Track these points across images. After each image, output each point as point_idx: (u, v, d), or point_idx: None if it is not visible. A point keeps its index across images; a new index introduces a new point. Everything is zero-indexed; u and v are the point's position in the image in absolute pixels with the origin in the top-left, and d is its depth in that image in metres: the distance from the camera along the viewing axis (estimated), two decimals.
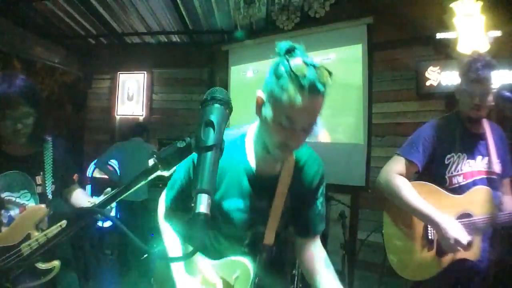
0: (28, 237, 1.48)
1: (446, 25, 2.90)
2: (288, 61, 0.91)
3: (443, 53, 3.12)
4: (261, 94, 1.00)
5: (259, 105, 1.00)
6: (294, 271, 2.61)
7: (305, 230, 1.20)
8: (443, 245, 1.56)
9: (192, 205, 0.60)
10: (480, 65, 1.56)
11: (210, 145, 0.65)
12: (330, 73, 0.92)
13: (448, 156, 1.68)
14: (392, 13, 3.37)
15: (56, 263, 1.52)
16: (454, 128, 1.70)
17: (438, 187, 1.66)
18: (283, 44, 0.95)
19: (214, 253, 1.18)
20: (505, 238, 1.66)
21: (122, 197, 0.72)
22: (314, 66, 0.90)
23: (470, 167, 1.67)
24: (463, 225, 1.53)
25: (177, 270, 1.12)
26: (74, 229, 0.72)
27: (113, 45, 5.10)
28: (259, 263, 1.13)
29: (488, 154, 1.67)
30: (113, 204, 0.76)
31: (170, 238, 1.20)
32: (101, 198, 1.56)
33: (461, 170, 1.67)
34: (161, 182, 1.17)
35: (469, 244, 1.51)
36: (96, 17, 4.28)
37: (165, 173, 0.70)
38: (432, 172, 1.70)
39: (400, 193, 1.62)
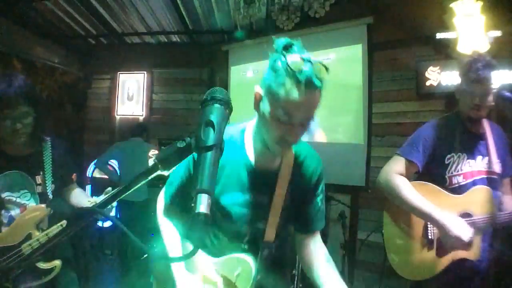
0: (29, 237, 1.48)
1: (446, 25, 2.90)
2: (285, 56, 0.92)
3: (443, 53, 3.12)
4: (259, 89, 1.01)
5: (257, 100, 1.02)
6: (294, 271, 2.61)
7: (305, 226, 1.21)
8: (444, 242, 1.56)
9: (192, 204, 0.60)
10: (480, 65, 1.56)
11: (210, 145, 0.66)
12: (327, 69, 0.93)
13: (448, 156, 1.68)
14: (392, 13, 3.37)
15: (57, 262, 1.52)
16: (454, 128, 1.70)
17: (438, 187, 1.66)
18: (280, 40, 0.96)
19: (214, 250, 1.18)
20: (505, 238, 1.66)
21: (122, 196, 0.72)
22: (310, 62, 0.91)
23: (470, 167, 1.67)
24: None
25: (177, 268, 1.12)
26: (75, 229, 0.72)
27: (113, 45, 5.10)
28: (260, 260, 1.13)
29: (488, 154, 1.67)
30: (114, 203, 0.76)
31: (170, 235, 1.20)
32: (102, 197, 1.56)
33: (461, 170, 1.67)
34: (161, 182, 1.18)
35: (470, 243, 1.51)
36: (96, 17, 4.28)
37: (165, 173, 0.71)
38: (432, 172, 1.70)
39: (400, 193, 1.62)
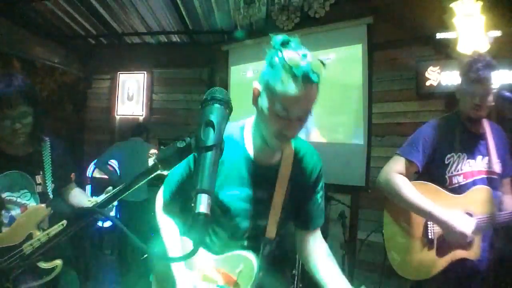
0: (30, 236, 1.48)
1: (446, 25, 2.90)
2: (282, 52, 0.94)
3: (443, 53, 3.12)
4: (257, 85, 1.03)
5: (256, 96, 1.03)
6: (294, 271, 2.61)
7: (306, 223, 1.21)
8: (448, 239, 1.56)
9: (192, 204, 0.60)
10: (480, 65, 1.56)
11: (210, 145, 0.66)
12: (323, 64, 0.94)
13: (448, 156, 1.68)
14: (392, 13, 3.37)
15: (58, 262, 1.52)
16: (454, 128, 1.70)
17: (438, 187, 1.66)
18: (278, 37, 0.97)
19: (214, 247, 1.18)
20: (505, 237, 1.66)
21: (122, 196, 0.72)
22: (307, 57, 0.92)
23: (470, 167, 1.67)
24: None
25: (177, 267, 1.12)
26: (75, 228, 0.72)
27: (113, 45, 5.11)
28: (262, 257, 1.13)
29: (488, 154, 1.67)
30: (115, 203, 0.76)
31: (169, 232, 1.21)
32: (102, 197, 1.57)
33: (461, 169, 1.67)
34: (161, 182, 1.19)
35: (471, 242, 1.51)
36: (96, 17, 4.28)
37: (165, 173, 0.71)
38: (432, 172, 1.70)
39: (400, 192, 1.62)
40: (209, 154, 0.65)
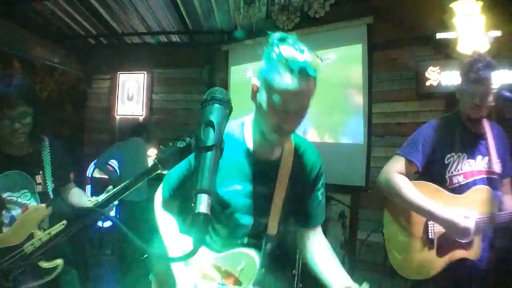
0: (31, 236, 1.48)
1: (446, 25, 2.90)
2: (279, 47, 0.96)
3: (443, 53, 3.12)
4: (256, 81, 1.04)
5: (254, 92, 1.05)
6: (294, 271, 2.61)
7: (307, 220, 1.22)
8: (451, 236, 1.56)
9: (192, 205, 0.60)
10: (480, 66, 1.56)
11: (210, 145, 0.66)
12: (320, 59, 0.97)
13: (448, 155, 1.68)
14: (392, 13, 3.37)
15: (59, 261, 1.52)
16: (454, 128, 1.70)
17: (438, 187, 1.66)
18: (275, 34, 0.99)
19: (215, 245, 1.19)
20: (505, 237, 1.66)
21: (122, 196, 0.72)
22: (304, 52, 0.94)
23: (470, 167, 1.67)
24: None
25: (177, 266, 1.12)
26: (76, 228, 0.72)
27: (113, 45, 5.11)
28: (264, 254, 1.13)
29: (488, 154, 1.67)
30: (115, 202, 0.76)
31: (168, 229, 1.21)
32: (103, 196, 1.57)
33: (461, 169, 1.67)
34: (161, 181, 1.20)
35: (470, 243, 1.51)
36: (96, 17, 4.28)
37: (165, 173, 0.71)
38: (432, 171, 1.70)
39: (400, 191, 1.62)
40: (209, 154, 0.65)
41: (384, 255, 1.82)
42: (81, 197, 1.79)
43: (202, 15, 4.11)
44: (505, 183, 1.73)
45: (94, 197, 1.80)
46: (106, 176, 4.08)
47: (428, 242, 1.65)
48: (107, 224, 4.44)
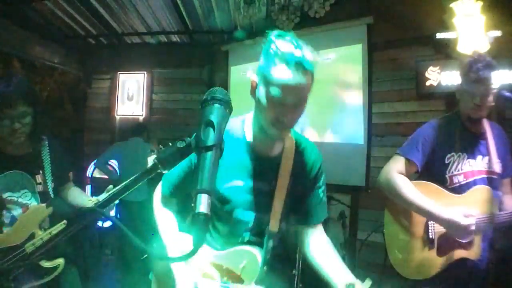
0: (32, 236, 1.48)
1: (446, 25, 2.90)
2: (277, 42, 0.98)
3: (443, 53, 3.12)
4: (254, 77, 1.06)
5: (253, 87, 1.07)
6: (294, 271, 2.61)
7: (308, 218, 1.22)
8: (452, 236, 1.56)
9: (192, 205, 0.60)
10: (480, 66, 1.56)
11: (210, 145, 0.66)
12: (317, 53, 0.99)
13: (449, 155, 1.68)
14: (392, 13, 3.37)
15: (60, 261, 1.52)
16: (454, 127, 1.70)
17: (438, 187, 1.66)
18: (273, 31, 1.02)
19: (217, 242, 1.19)
20: (505, 237, 1.66)
21: (122, 196, 0.72)
22: (301, 47, 0.96)
23: (471, 167, 1.67)
24: None
25: (176, 265, 1.12)
26: (77, 227, 0.72)
27: (113, 45, 5.10)
28: (265, 252, 1.13)
29: (488, 154, 1.68)
30: (116, 201, 0.76)
31: (167, 226, 1.21)
32: (104, 195, 1.57)
33: (462, 169, 1.67)
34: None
35: (470, 243, 1.51)
36: (96, 17, 4.27)
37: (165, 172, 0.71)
38: (433, 171, 1.70)
39: (400, 191, 1.62)
40: (209, 154, 0.65)
41: (384, 255, 1.82)
42: (82, 197, 1.79)
43: (202, 15, 4.11)
44: (505, 183, 1.73)
45: (94, 197, 1.80)
46: (106, 176, 4.08)
47: (428, 242, 1.65)
48: (107, 224, 4.44)
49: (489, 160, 1.67)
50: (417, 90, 3.26)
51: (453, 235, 1.57)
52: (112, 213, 3.67)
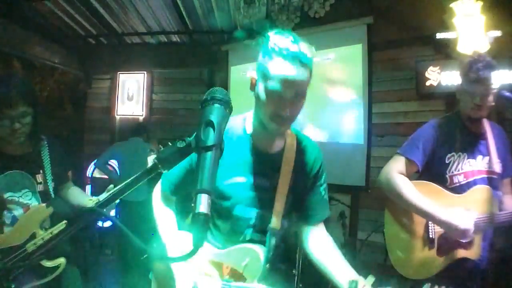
0: (33, 236, 1.48)
1: (446, 25, 2.90)
2: (274, 38, 1.01)
3: (443, 53, 3.12)
4: (254, 74, 1.08)
5: (253, 84, 1.08)
6: (294, 271, 2.61)
7: (310, 216, 1.22)
8: (450, 238, 1.56)
9: (192, 205, 0.60)
10: (480, 66, 1.56)
11: (210, 145, 0.66)
12: (314, 48, 1.02)
13: (449, 155, 1.68)
14: (392, 13, 3.37)
15: (61, 260, 1.52)
16: (455, 127, 1.70)
17: (438, 186, 1.66)
18: (273, 30, 1.04)
19: (219, 240, 1.19)
20: (505, 237, 1.66)
21: (122, 196, 0.72)
22: (298, 42, 0.99)
23: (471, 166, 1.67)
24: None
25: (176, 265, 1.12)
26: (78, 227, 0.72)
27: (113, 45, 5.10)
28: (268, 249, 1.13)
29: (488, 154, 1.67)
30: (116, 201, 0.77)
31: (166, 224, 1.21)
32: (104, 195, 1.57)
33: (462, 169, 1.67)
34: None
35: (470, 243, 1.51)
36: (96, 17, 4.28)
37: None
38: (433, 171, 1.70)
39: (400, 192, 1.62)
40: (209, 154, 0.65)
41: (384, 255, 1.83)
42: (82, 197, 1.79)
43: (202, 15, 4.11)
44: (505, 183, 1.73)
45: (94, 197, 1.80)
46: (106, 176, 4.08)
47: (428, 242, 1.65)
48: (107, 224, 4.44)
49: (489, 160, 1.67)
50: (417, 90, 3.26)
51: (451, 236, 1.57)
52: (112, 213, 3.67)
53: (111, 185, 1.68)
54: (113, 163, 4.04)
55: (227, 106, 0.74)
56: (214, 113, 0.70)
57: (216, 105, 0.72)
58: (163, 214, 1.24)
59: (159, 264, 1.23)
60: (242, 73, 4.45)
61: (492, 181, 1.66)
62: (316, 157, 1.21)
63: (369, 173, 3.47)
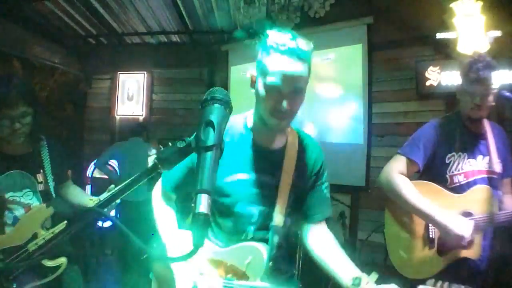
0: (35, 236, 1.48)
1: (446, 25, 2.90)
2: (273, 35, 1.03)
3: (443, 53, 3.12)
4: (254, 71, 1.10)
5: (253, 81, 1.10)
6: (294, 271, 2.60)
7: (313, 214, 1.22)
8: (446, 241, 1.56)
9: (192, 205, 0.60)
10: (480, 66, 1.56)
11: (210, 145, 0.66)
12: (312, 44, 1.04)
13: (449, 155, 1.68)
14: (392, 13, 3.37)
15: (63, 259, 1.53)
16: (455, 127, 1.70)
17: (439, 186, 1.66)
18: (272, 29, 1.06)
19: (220, 239, 1.18)
20: (505, 237, 1.66)
21: (122, 196, 0.72)
22: (295, 37, 1.01)
23: (471, 166, 1.67)
24: None
25: (176, 264, 1.12)
26: (78, 227, 0.72)
27: (113, 45, 5.10)
28: (271, 247, 1.13)
29: (488, 154, 1.67)
30: (117, 201, 0.77)
31: (166, 223, 1.21)
32: (105, 195, 1.57)
33: (462, 169, 1.67)
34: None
35: (471, 242, 1.51)
36: (96, 17, 4.28)
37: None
38: (433, 171, 1.70)
39: (401, 192, 1.62)
40: (209, 154, 0.65)
41: (384, 255, 1.82)
42: (82, 196, 1.79)
43: (202, 15, 4.11)
44: (505, 183, 1.73)
45: (94, 197, 1.80)
46: (106, 176, 4.08)
47: (428, 242, 1.65)
48: (107, 224, 4.44)
49: (490, 160, 1.67)
50: (417, 90, 3.27)
51: (446, 240, 1.56)
52: (112, 213, 3.67)
53: (112, 185, 1.68)
54: (113, 163, 4.04)
55: (227, 106, 0.74)
56: (214, 113, 0.70)
57: (216, 105, 0.72)
58: (163, 212, 1.24)
59: (159, 264, 1.23)
60: (242, 73, 4.45)
61: (492, 181, 1.66)
62: (317, 155, 1.22)
63: (369, 173, 3.47)
